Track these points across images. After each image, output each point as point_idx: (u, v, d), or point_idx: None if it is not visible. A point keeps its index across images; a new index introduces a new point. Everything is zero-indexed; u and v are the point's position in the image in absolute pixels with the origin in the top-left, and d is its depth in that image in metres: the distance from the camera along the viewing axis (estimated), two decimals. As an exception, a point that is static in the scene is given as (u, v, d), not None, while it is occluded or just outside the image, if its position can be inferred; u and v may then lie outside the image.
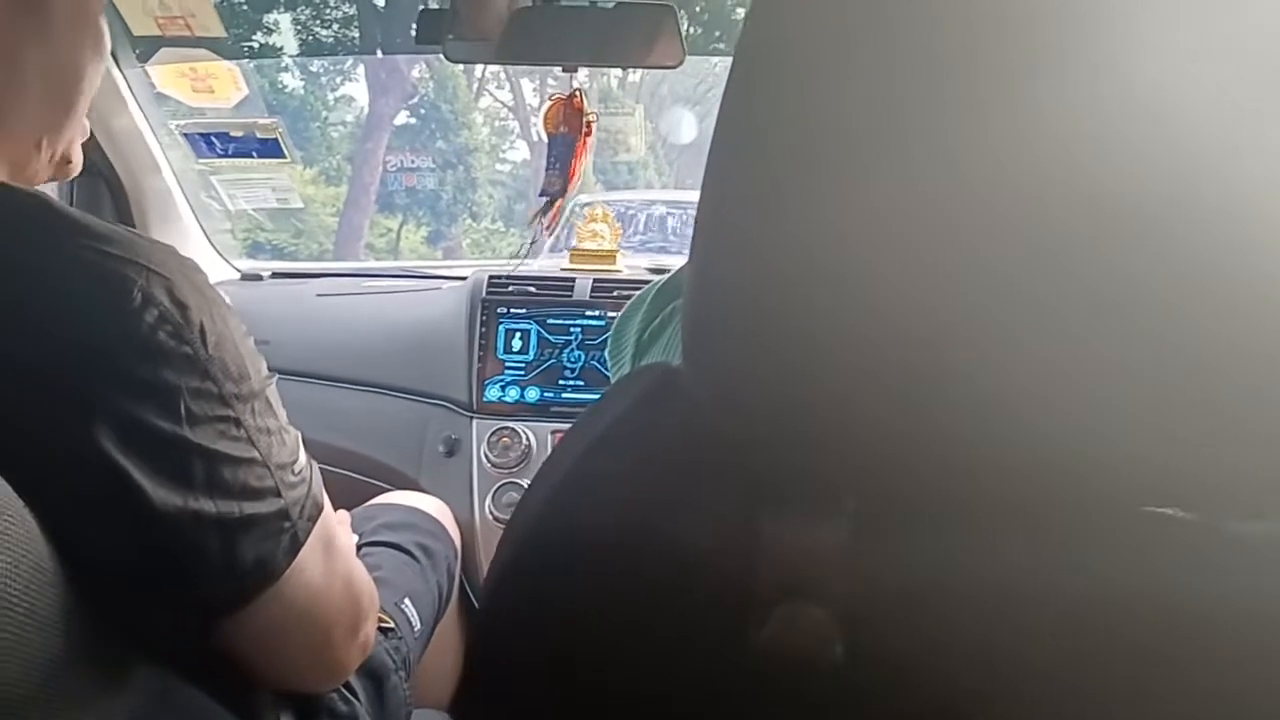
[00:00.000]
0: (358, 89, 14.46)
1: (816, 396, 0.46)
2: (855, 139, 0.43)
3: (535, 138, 14.69)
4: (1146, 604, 0.47)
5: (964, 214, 0.42)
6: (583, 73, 1.78)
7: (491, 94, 15.37)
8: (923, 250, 0.43)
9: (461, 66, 13.11)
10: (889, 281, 0.43)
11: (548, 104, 1.79)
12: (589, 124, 1.77)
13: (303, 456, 0.72)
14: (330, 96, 14.44)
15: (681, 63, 1.51)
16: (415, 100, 14.23)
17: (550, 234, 1.89)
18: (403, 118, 14.07)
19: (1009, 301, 0.42)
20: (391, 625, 1.04)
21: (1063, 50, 0.41)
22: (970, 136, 0.42)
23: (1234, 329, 0.41)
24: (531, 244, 1.87)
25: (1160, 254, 0.41)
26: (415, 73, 13.75)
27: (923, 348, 0.44)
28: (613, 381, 1.02)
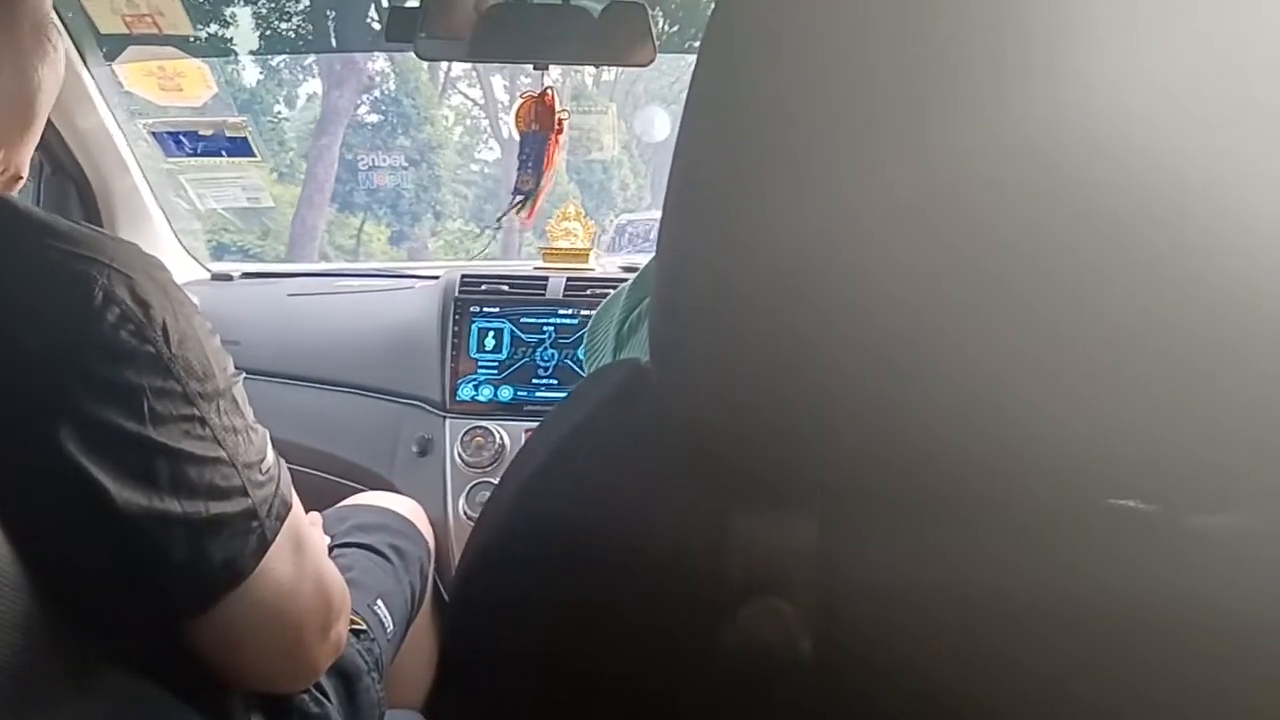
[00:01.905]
0: (313, 83, 14.12)
1: (784, 393, 0.46)
2: (825, 134, 0.43)
3: (506, 135, 14.45)
4: (1111, 596, 0.47)
5: (934, 211, 0.42)
6: (555, 70, 1.78)
7: (462, 92, 15.17)
8: (891, 246, 0.43)
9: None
10: (857, 278, 0.43)
11: (519, 102, 1.79)
12: (560, 122, 1.77)
13: (270, 455, 0.72)
14: (285, 91, 14.12)
15: (652, 61, 1.51)
16: (376, 94, 13.97)
17: (526, 229, 1.89)
18: (363, 112, 13.80)
19: (976, 299, 0.43)
20: (364, 627, 1.04)
21: (1036, 50, 0.41)
22: (942, 132, 0.42)
23: (1194, 327, 0.42)
24: (498, 227, 1.87)
25: (1128, 252, 0.41)
26: (374, 65, 13.47)
27: (890, 344, 0.44)
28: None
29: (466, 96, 15.27)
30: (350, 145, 13.23)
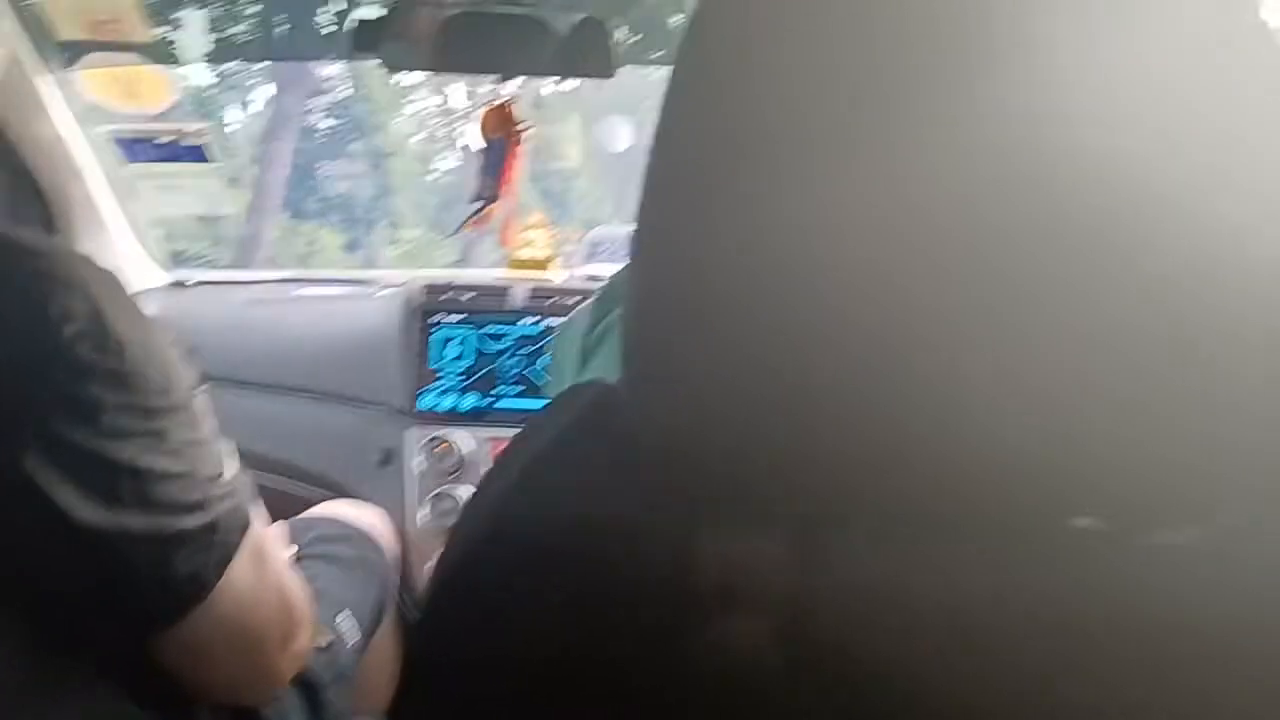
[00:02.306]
0: (268, 88, 13.63)
1: (758, 408, 0.47)
2: (801, 142, 0.44)
3: (464, 143, 14.34)
4: (1073, 613, 0.48)
5: (909, 220, 0.43)
6: (516, 80, 1.78)
7: (422, 99, 15.06)
8: (867, 257, 0.43)
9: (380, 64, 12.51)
10: (833, 289, 0.44)
11: (482, 111, 1.79)
12: (521, 132, 1.77)
13: (232, 467, 0.72)
14: (238, 96, 13.80)
15: (612, 74, 1.53)
16: (330, 99, 13.64)
17: (487, 237, 1.89)
18: (317, 117, 13.40)
19: (953, 313, 0.44)
20: (328, 639, 1.04)
21: (1008, 54, 0.42)
22: (917, 136, 0.43)
23: (1155, 351, 0.43)
24: (456, 233, 1.86)
25: (1099, 267, 0.43)
26: (326, 69, 13.10)
27: (867, 356, 0.44)
28: (550, 393, 1.02)
29: (426, 104, 15.14)
30: (302, 151, 12.92)
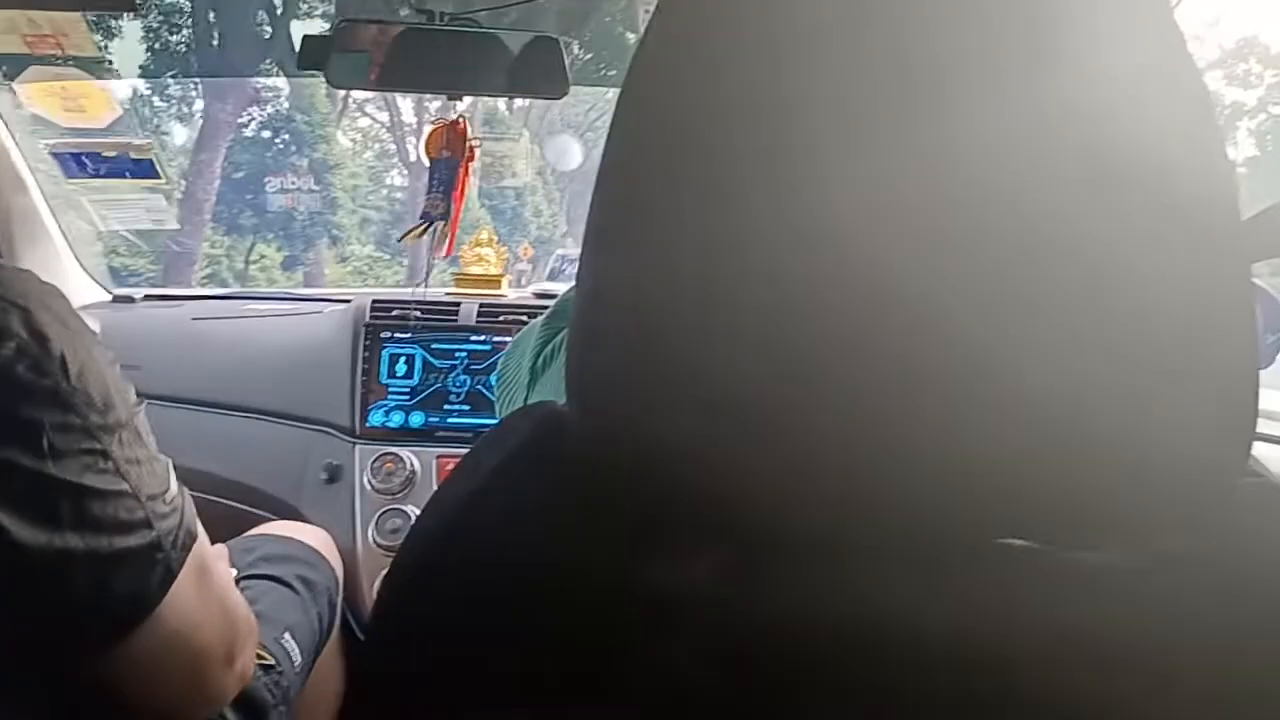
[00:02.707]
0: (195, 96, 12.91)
1: (701, 432, 0.47)
2: (748, 165, 0.44)
3: (414, 159, 13.85)
4: (1005, 630, 0.49)
5: (849, 243, 0.44)
6: (467, 98, 1.79)
7: (370, 115, 14.72)
8: (806, 284, 0.44)
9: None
10: (773, 315, 0.45)
11: (430, 128, 1.79)
12: (472, 149, 1.77)
13: (174, 485, 0.71)
14: (174, 108, 13.03)
15: (566, 93, 1.53)
16: (268, 111, 13.08)
17: (438, 256, 1.88)
18: (253, 129, 12.87)
19: (879, 343, 0.44)
20: (271, 660, 1.03)
21: (947, 79, 0.44)
22: (860, 160, 0.44)
23: (1081, 377, 0.45)
24: (399, 241, 1.86)
25: (1018, 303, 0.44)
26: (260, 78, 12.61)
27: (798, 385, 0.45)
28: (499, 411, 1.02)
29: (374, 119, 14.82)
30: (238, 163, 12.50)
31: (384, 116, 14.52)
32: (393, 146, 15.00)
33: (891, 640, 0.49)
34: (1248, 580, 0.49)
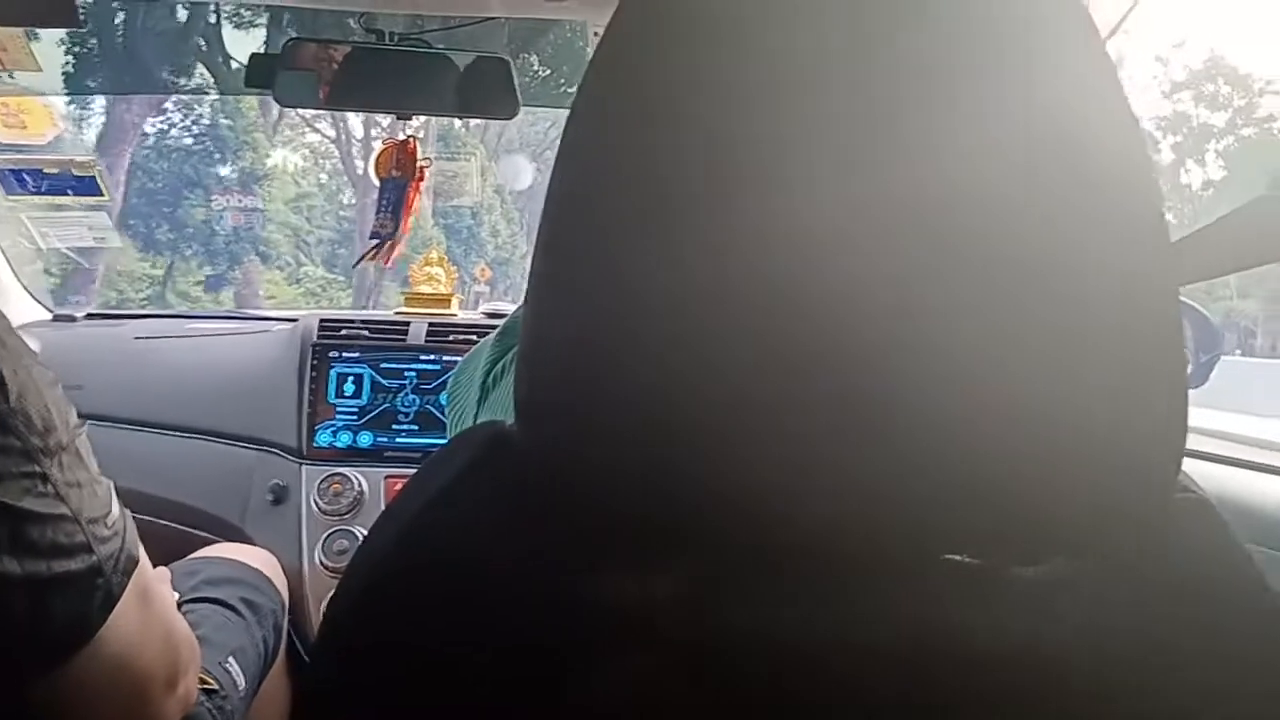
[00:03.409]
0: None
1: (649, 450, 0.47)
2: (692, 188, 0.45)
3: (361, 173, 13.34)
4: (953, 645, 0.50)
5: (791, 266, 0.45)
6: (420, 117, 1.79)
7: (320, 131, 14.05)
8: (753, 304, 0.45)
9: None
10: (717, 337, 0.45)
11: (381, 147, 1.79)
12: (422, 169, 1.77)
13: (116, 508, 0.70)
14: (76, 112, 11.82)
15: (516, 114, 1.54)
16: (185, 115, 11.92)
17: (383, 264, 1.88)
18: (172, 136, 11.74)
19: (821, 361, 0.45)
20: (215, 685, 1.01)
21: (897, 111, 0.45)
22: (807, 186, 0.45)
23: (1019, 396, 0.46)
24: (355, 266, 1.86)
25: (957, 314, 0.45)
26: (190, 95, 11.45)
27: (747, 403, 0.46)
28: (450, 429, 1.02)
29: (323, 135, 14.27)
30: (151, 173, 11.72)
31: (332, 132, 14.10)
32: (340, 164, 14.53)
33: (842, 655, 0.50)
34: (1179, 593, 0.51)
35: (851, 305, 0.45)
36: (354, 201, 13.81)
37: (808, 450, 0.46)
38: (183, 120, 12.33)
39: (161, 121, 12.09)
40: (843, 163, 0.45)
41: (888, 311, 0.45)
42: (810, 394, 0.46)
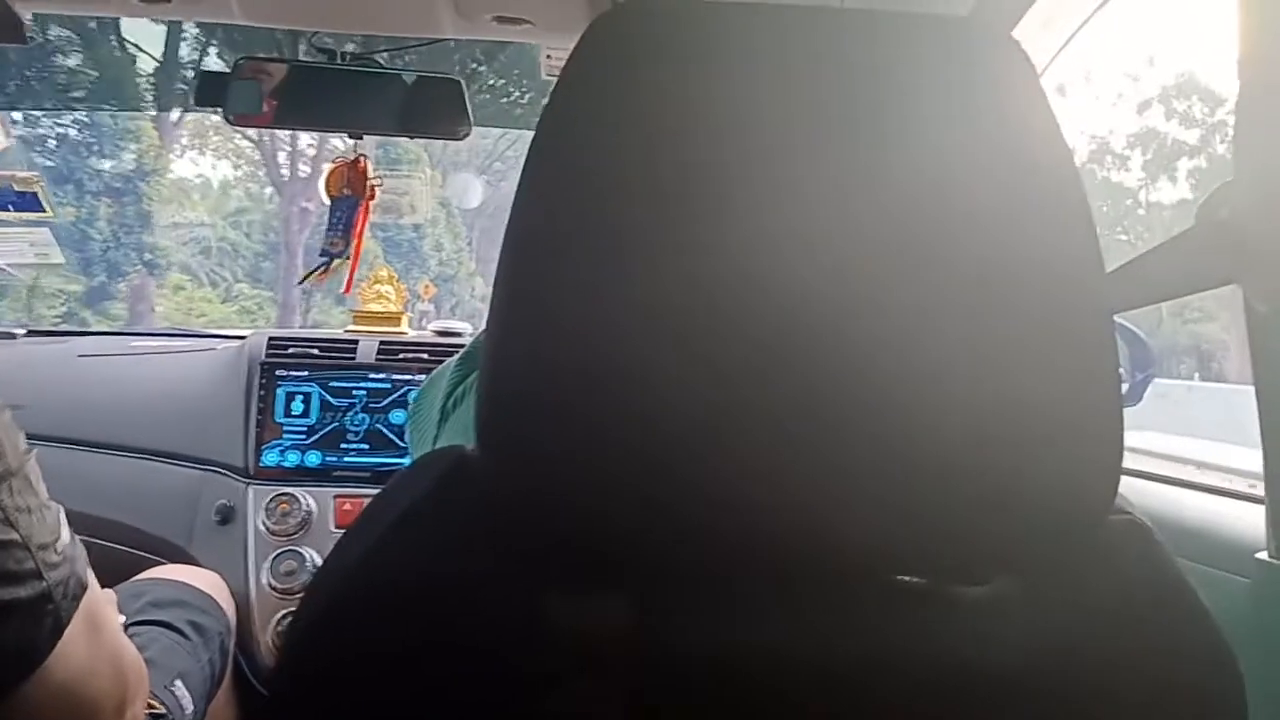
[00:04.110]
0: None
1: (601, 476, 0.48)
2: (652, 214, 0.47)
3: (284, 178, 12.47)
4: (898, 666, 0.52)
5: (746, 291, 0.46)
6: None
7: (246, 136, 12.43)
8: (707, 330, 0.46)
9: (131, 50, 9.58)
10: (670, 363, 0.46)
11: (330, 166, 1.79)
12: (373, 189, 1.77)
13: (65, 533, 0.69)
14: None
15: (467, 134, 1.54)
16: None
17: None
18: (37, 121, 10.13)
19: (770, 387, 0.46)
20: (162, 710, 1.00)
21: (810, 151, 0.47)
22: (760, 215, 0.46)
23: (955, 418, 0.48)
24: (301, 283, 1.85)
25: (895, 343, 0.47)
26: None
27: (699, 428, 0.47)
28: (412, 451, 1.02)
29: (247, 138, 12.85)
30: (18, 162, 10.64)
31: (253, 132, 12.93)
32: (261, 171, 13.48)
33: (790, 676, 0.51)
34: (1115, 614, 0.52)
35: (796, 334, 0.46)
36: (276, 209, 12.74)
37: (757, 476, 0.48)
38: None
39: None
40: (795, 193, 0.47)
41: (833, 341, 0.47)
42: (759, 421, 0.47)
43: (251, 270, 12.76)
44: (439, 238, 13.42)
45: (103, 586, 0.80)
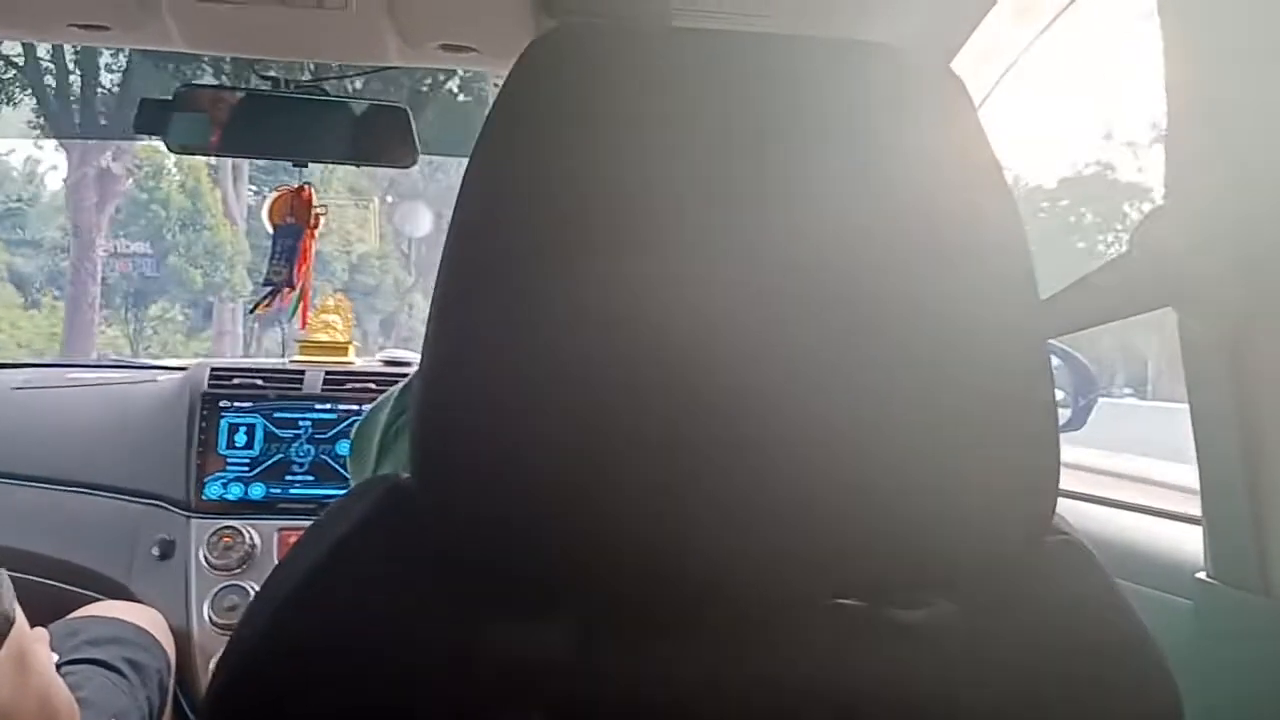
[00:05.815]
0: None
1: (536, 505, 0.48)
2: (585, 243, 0.46)
3: (234, 198, 12.37)
4: (838, 690, 0.51)
5: (685, 325, 0.46)
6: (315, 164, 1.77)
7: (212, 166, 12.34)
8: (643, 359, 0.46)
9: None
10: (606, 392, 0.46)
11: (274, 194, 1.77)
12: (317, 217, 1.76)
13: None
14: None
15: (414, 162, 1.54)
16: None
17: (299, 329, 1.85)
18: None
19: (705, 413, 0.46)
20: None
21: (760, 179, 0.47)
22: (694, 242, 0.46)
23: (892, 442, 0.48)
24: (250, 311, 1.83)
25: (834, 367, 0.47)
26: None
27: (635, 456, 0.46)
28: (352, 481, 1.01)
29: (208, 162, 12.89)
30: None
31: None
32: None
33: (730, 703, 0.51)
34: (1053, 636, 0.53)
35: (729, 357, 0.46)
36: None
37: (692, 503, 0.47)
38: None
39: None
40: (723, 219, 0.47)
41: (767, 364, 0.47)
42: (692, 446, 0.47)
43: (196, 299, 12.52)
44: (387, 265, 13.29)
45: (35, 625, 0.78)
